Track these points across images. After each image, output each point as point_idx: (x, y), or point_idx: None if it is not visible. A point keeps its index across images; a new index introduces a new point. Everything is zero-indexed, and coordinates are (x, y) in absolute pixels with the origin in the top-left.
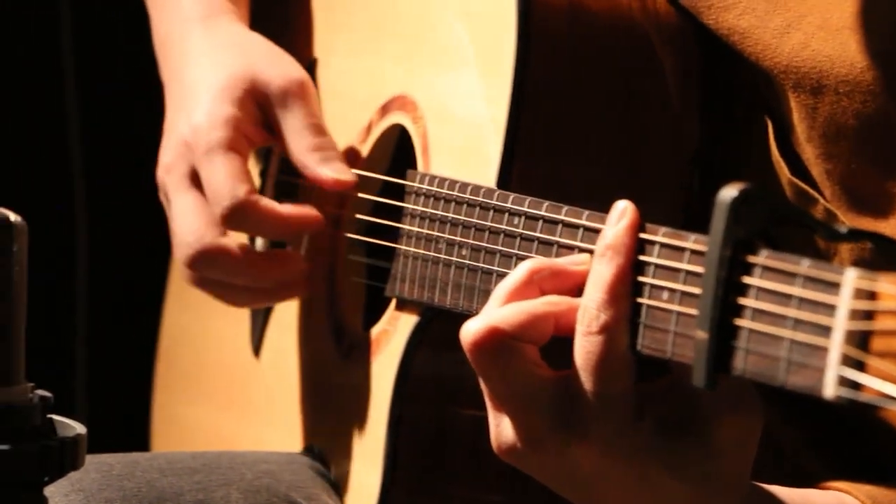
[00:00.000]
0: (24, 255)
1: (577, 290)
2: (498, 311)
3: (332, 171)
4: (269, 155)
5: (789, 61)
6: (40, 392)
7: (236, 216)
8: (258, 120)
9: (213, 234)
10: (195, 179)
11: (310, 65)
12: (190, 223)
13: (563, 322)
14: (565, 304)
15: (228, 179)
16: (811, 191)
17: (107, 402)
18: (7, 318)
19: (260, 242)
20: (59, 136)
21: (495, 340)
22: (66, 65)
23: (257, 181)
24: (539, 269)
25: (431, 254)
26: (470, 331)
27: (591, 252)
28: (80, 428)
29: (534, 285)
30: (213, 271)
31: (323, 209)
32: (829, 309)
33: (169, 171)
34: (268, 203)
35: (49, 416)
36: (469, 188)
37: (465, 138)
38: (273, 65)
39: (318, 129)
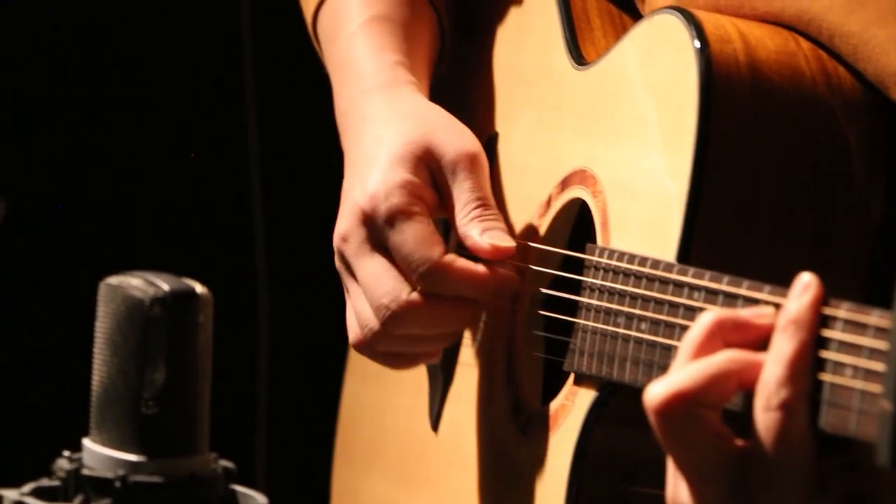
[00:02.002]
0: (210, 325)
1: (761, 344)
2: (681, 374)
3: (491, 238)
4: (446, 231)
5: None
6: (223, 462)
7: (434, 278)
8: (432, 188)
9: (407, 291)
10: (376, 245)
11: (490, 138)
12: (383, 284)
13: (746, 378)
14: (748, 361)
15: (420, 244)
16: None
17: (287, 472)
18: (192, 388)
19: None
20: (242, 205)
21: (679, 407)
22: (250, 135)
23: None
24: (723, 320)
25: (610, 328)
26: (654, 396)
27: (776, 306)
28: (261, 499)
29: (718, 337)
30: (411, 326)
31: (500, 301)
32: None
33: (346, 238)
34: (464, 262)
35: (232, 486)
36: (649, 262)
37: (645, 212)
38: (448, 135)
39: (483, 202)
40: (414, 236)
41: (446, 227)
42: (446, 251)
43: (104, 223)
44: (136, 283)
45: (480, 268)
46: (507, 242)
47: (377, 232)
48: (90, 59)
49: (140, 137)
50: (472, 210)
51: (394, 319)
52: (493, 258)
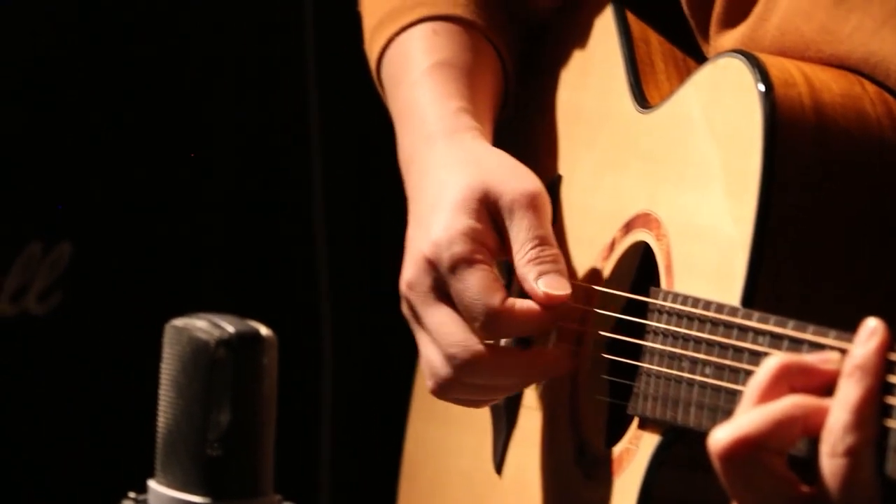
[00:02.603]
0: (274, 367)
1: (827, 390)
2: (746, 419)
3: (546, 286)
4: (511, 270)
5: None
6: None
7: (495, 325)
8: (494, 231)
9: (475, 340)
10: (440, 293)
11: (554, 181)
12: (452, 334)
13: (812, 424)
14: (814, 406)
15: (480, 292)
16: None
17: None
18: (256, 429)
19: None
20: (306, 247)
21: (743, 452)
22: (314, 177)
23: None
24: (789, 365)
25: (675, 372)
26: (719, 441)
27: (842, 351)
28: None
29: (783, 383)
30: (481, 376)
31: (565, 326)
32: None
33: (412, 287)
34: (522, 305)
35: None
36: (713, 306)
37: (710, 257)
38: (508, 177)
39: (542, 242)
40: (475, 285)
41: (511, 268)
42: (508, 295)
43: (169, 264)
44: (202, 325)
45: (539, 310)
46: (563, 289)
47: (441, 280)
48: (152, 106)
49: (204, 180)
50: (530, 250)
51: (464, 368)
52: (547, 305)
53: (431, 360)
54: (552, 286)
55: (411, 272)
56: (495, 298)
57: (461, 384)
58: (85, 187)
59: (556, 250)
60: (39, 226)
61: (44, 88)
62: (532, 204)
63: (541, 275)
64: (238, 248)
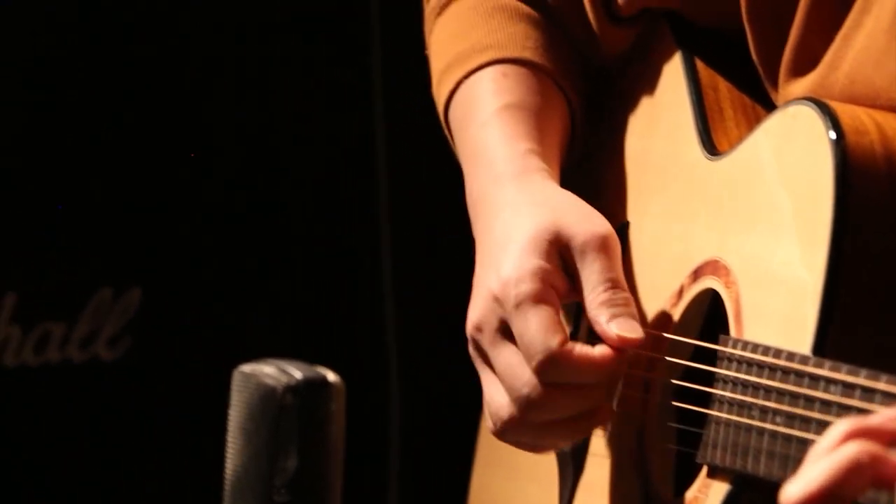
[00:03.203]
0: (342, 414)
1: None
2: (815, 470)
3: (619, 329)
4: (579, 312)
5: None
6: None
7: (550, 367)
8: (564, 273)
9: (540, 380)
10: (507, 332)
11: (622, 227)
12: (518, 374)
13: (881, 473)
14: (882, 454)
15: (540, 332)
16: None
17: None
18: (323, 476)
19: None
20: (373, 292)
21: None
22: (382, 222)
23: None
24: (855, 431)
25: (744, 420)
26: (791, 496)
27: None
28: None
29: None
30: (548, 414)
31: (633, 372)
32: None
33: (480, 327)
34: (581, 350)
35: None
36: (783, 354)
37: (780, 304)
38: (579, 219)
39: (614, 284)
40: (537, 324)
41: (580, 310)
42: (570, 338)
43: (238, 309)
44: (269, 372)
45: (600, 355)
46: (635, 332)
47: (507, 318)
48: (229, 157)
49: (271, 225)
50: (602, 293)
51: (530, 409)
52: (620, 347)
53: (495, 400)
54: (625, 329)
55: (478, 312)
56: (554, 339)
57: (524, 425)
58: (156, 234)
59: (627, 294)
60: (110, 272)
61: (119, 142)
62: (604, 246)
63: (613, 317)
64: (306, 292)
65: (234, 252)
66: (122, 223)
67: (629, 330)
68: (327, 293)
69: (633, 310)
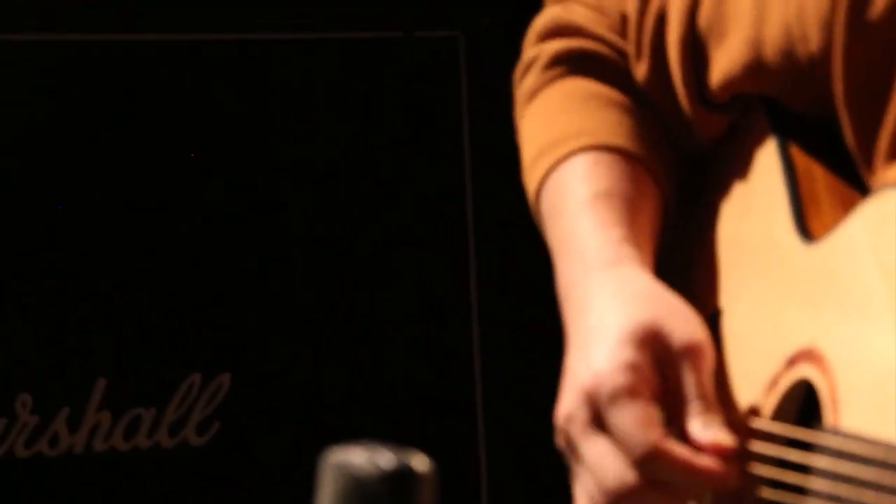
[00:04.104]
0: (434, 501)
1: None
2: None
3: (713, 436)
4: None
5: None
6: None
7: (650, 462)
8: (657, 370)
9: (634, 474)
10: (599, 425)
11: (714, 313)
12: (609, 468)
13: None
14: None
15: (639, 426)
16: None
17: None
18: None
19: None
20: (463, 374)
21: None
22: (473, 308)
23: None
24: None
25: None
26: None
27: None
28: None
29: None
30: None
31: (726, 463)
32: None
33: (570, 419)
34: (682, 450)
35: None
36: (882, 446)
37: (878, 394)
38: (676, 319)
39: (705, 398)
40: (634, 418)
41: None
42: (666, 435)
43: (326, 394)
44: (358, 458)
45: (699, 457)
46: (727, 441)
47: (600, 412)
48: (302, 245)
49: (355, 307)
50: (695, 400)
51: (619, 502)
52: (712, 453)
53: (588, 494)
54: (720, 437)
55: (569, 403)
56: (653, 434)
57: None
58: (245, 321)
59: (718, 410)
60: (199, 358)
61: (208, 230)
62: (700, 356)
63: (706, 425)
64: (396, 376)
65: (322, 336)
66: (211, 311)
67: (724, 438)
68: (415, 370)
69: (723, 419)
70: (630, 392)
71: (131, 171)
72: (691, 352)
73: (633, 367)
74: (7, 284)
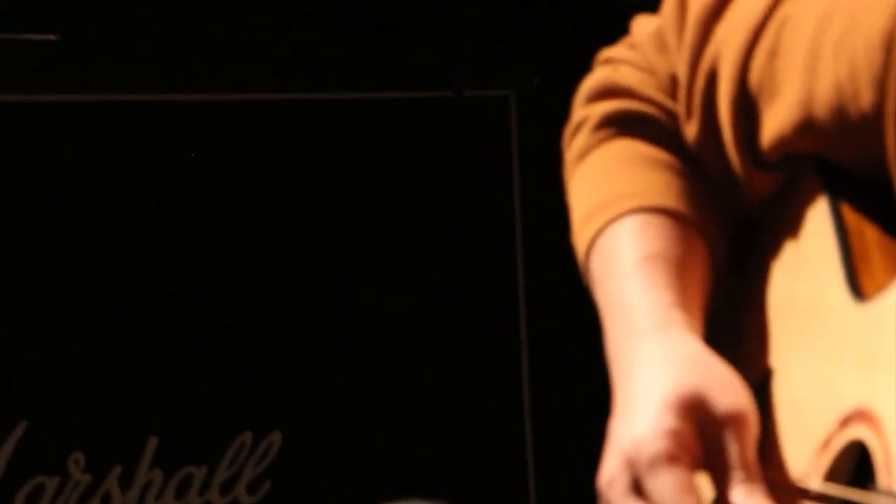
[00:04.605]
0: None
1: None
2: None
3: None
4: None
5: None
6: None
7: None
8: (699, 438)
9: None
10: (639, 490)
11: (765, 375)
12: None
13: None
14: None
15: (677, 493)
16: None
17: None
18: None
19: None
20: (515, 445)
21: None
22: (523, 388)
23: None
24: None
25: None
26: None
27: None
28: None
29: None
30: None
31: None
32: None
33: (611, 484)
34: None
35: None
36: None
37: None
38: (721, 386)
39: (748, 463)
40: (672, 485)
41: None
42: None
43: (376, 451)
44: None
45: None
46: None
47: (640, 477)
48: (350, 305)
49: (406, 367)
50: (738, 470)
51: None
52: None
53: None
54: None
55: (610, 468)
56: (691, 502)
57: None
58: (295, 380)
59: (761, 482)
60: (250, 417)
61: (257, 299)
62: (743, 421)
63: (748, 495)
64: (448, 435)
65: (370, 394)
66: (263, 369)
67: None
68: (467, 430)
69: (765, 492)
70: (669, 459)
71: (180, 231)
72: (734, 420)
73: (674, 434)
74: (60, 344)
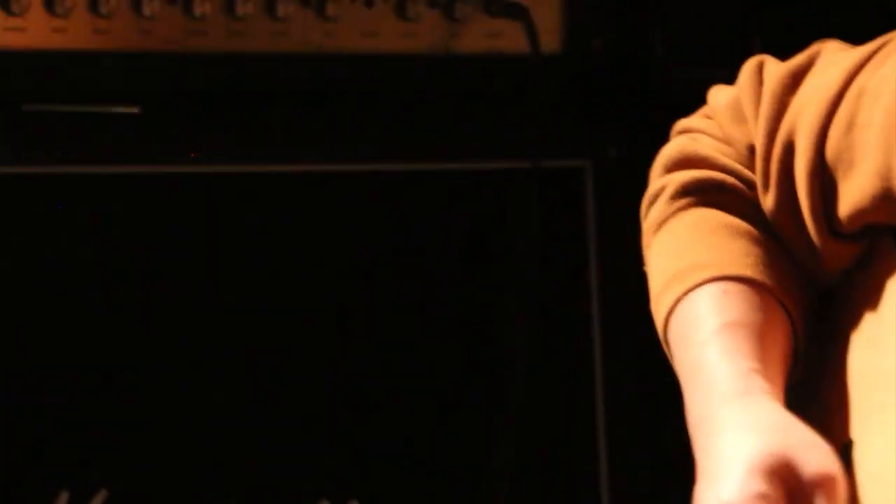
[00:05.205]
0: None
1: None
2: None
3: None
4: None
5: None
6: None
7: None
8: (788, 501)
9: None
10: None
11: (845, 446)
12: None
13: None
14: None
15: None
16: None
17: None
18: None
19: None
20: None
21: None
22: (600, 462)
23: None
24: None
25: None
26: None
27: None
28: None
29: None
30: None
31: None
32: None
33: None
34: None
35: None
36: None
37: None
38: (808, 449)
39: None
40: None
41: None
42: None
43: None
44: None
45: None
46: None
47: None
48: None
49: (476, 436)
50: None
51: None
52: None
53: None
54: None
55: None
56: None
57: None
58: (370, 446)
59: None
60: (327, 484)
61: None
62: (833, 484)
63: None
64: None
65: (443, 463)
66: (337, 436)
67: None
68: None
69: None
70: None
71: (230, 311)
72: (824, 483)
73: (763, 498)
74: (119, 418)
